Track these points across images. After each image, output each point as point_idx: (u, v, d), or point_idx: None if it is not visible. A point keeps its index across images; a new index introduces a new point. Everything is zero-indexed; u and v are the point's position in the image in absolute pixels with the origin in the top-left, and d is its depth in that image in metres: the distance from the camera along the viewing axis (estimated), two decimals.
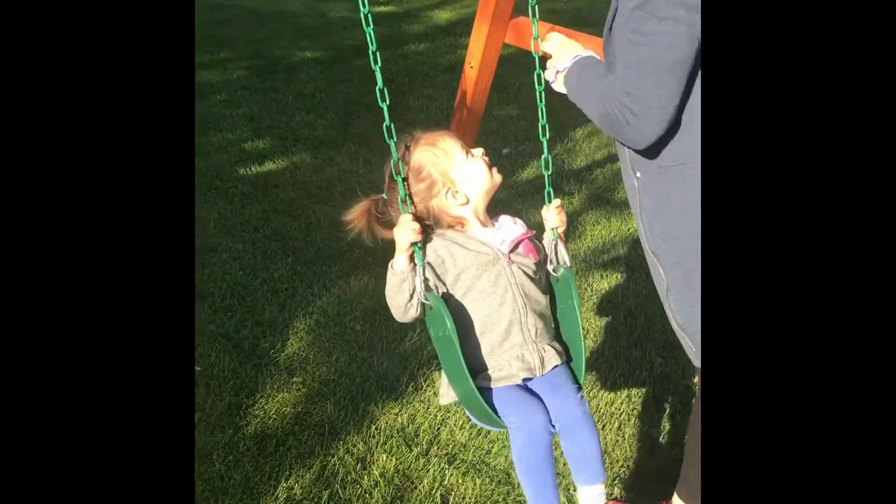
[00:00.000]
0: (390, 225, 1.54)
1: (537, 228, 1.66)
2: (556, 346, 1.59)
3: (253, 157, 4.01)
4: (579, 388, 1.56)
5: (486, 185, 1.55)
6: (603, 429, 2.19)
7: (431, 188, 1.53)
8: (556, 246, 1.61)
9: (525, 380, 1.54)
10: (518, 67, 5.53)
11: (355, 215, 1.59)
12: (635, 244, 3.24)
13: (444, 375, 1.57)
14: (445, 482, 2.01)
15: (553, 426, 1.49)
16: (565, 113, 4.87)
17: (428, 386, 2.35)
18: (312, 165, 3.91)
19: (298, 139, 4.24)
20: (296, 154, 4.07)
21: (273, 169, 3.88)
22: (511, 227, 1.59)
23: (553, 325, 1.62)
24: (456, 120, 3.10)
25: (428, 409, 2.26)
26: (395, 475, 2.02)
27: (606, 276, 2.99)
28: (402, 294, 1.49)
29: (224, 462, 2.04)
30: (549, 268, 1.61)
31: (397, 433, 2.16)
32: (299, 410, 2.24)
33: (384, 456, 2.08)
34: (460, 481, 2.01)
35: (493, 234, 1.56)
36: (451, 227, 1.55)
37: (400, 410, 2.25)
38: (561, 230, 1.61)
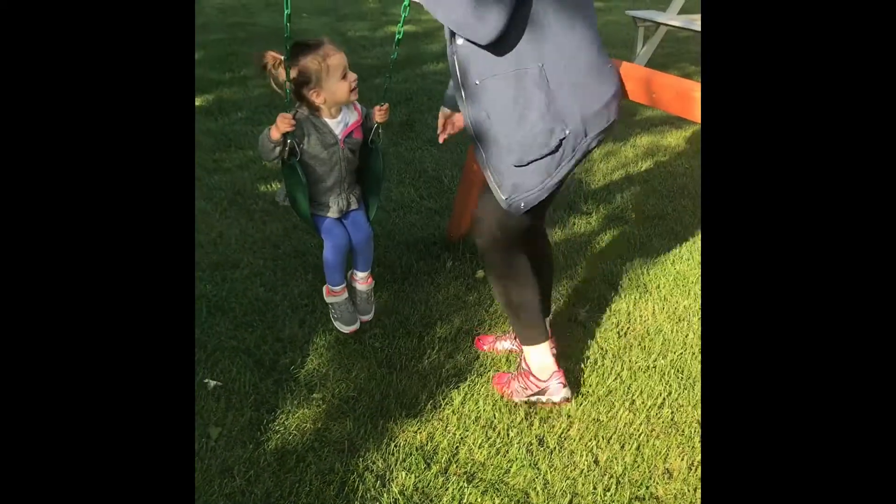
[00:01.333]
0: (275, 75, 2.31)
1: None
2: (356, 194, 2.53)
3: (274, 174, 4.05)
4: (368, 221, 2.56)
5: (342, 99, 2.32)
6: (622, 448, 2.19)
7: (307, 84, 2.26)
8: (376, 129, 2.44)
9: (338, 216, 2.50)
10: None
11: (256, 60, 2.33)
12: (654, 265, 3.25)
13: (285, 189, 2.44)
14: (464, 501, 2.01)
15: (348, 245, 2.50)
16: None
17: (447, 404, 2.36)
18: None
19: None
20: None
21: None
22: (349, 116, 2.40)
23: (361, 180, 2.54)
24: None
25: (447, 427, 2.27)
26: (414, 493, 2.03)
27: (624, 296, 3.00)
28: (273, 153, 2.29)
29: (245, 477, 2.06)
30: (370, 142, 2.45)
31: (416, 451, 2.17)
32: (319, 427, 2.26)
33: (403, 473, 2.09)
34: (479, 500, 2.02)
35: (336, 123, 2.36)
36: (309, 107, 2.33)
37: (419, 428, 2.26)
38: (382, 122, 2.42)
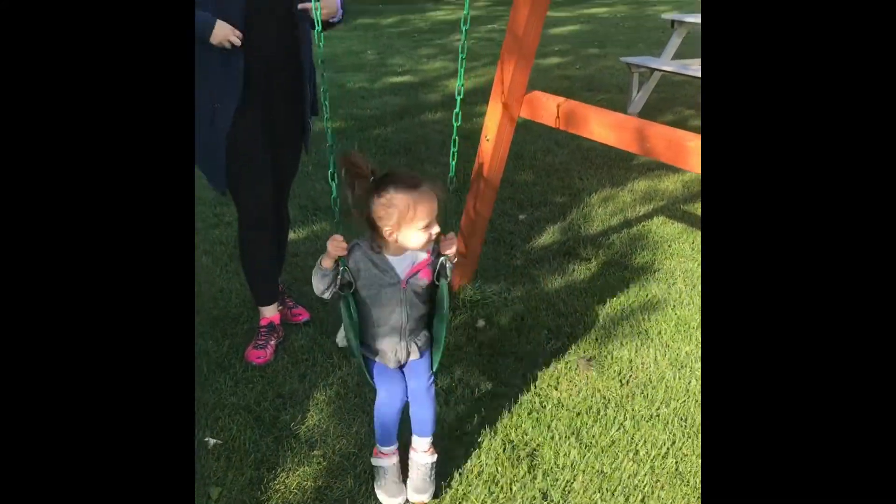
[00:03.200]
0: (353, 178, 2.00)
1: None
2: (420, 342, 2.13)
3: None
4: (432, 374, 2.13)
5: (413, 248, 2.01)
6: (626, 501, 2.16)
7: (382, 218, 1.96)
8: (444, 265, 2.05)
9: (395, 366, 2.12)
10: (532, 135, 5.64)
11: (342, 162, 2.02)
12: (654, 311, 3.24)
13: (343, 329, 2.14)
14: None
15: (406, 397, 2.10)
16: (579, 178, 4.93)
17: (450, 460, 2.33)
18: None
19: (319, 208, 4.32)
20: (316, 223, 4.14)
21: (294, 238, 3.94)
22: (417, 254, 2.04)
23: (426, 323, 2.15)
24: (474, 190, 3.16)
25: (450, 483, 2.24)
26: None
27: (626, 343, 2.99)
28: (322, 283, 2.02)
29: None
30: (435, 278, 2.07)
31: None
32: (320, 485, 2.24)
33: None
34: None
35: (399, 261, 2.04)
36: (372, 238, 2.04)
37: None
38: (452, 257, 2.06)
